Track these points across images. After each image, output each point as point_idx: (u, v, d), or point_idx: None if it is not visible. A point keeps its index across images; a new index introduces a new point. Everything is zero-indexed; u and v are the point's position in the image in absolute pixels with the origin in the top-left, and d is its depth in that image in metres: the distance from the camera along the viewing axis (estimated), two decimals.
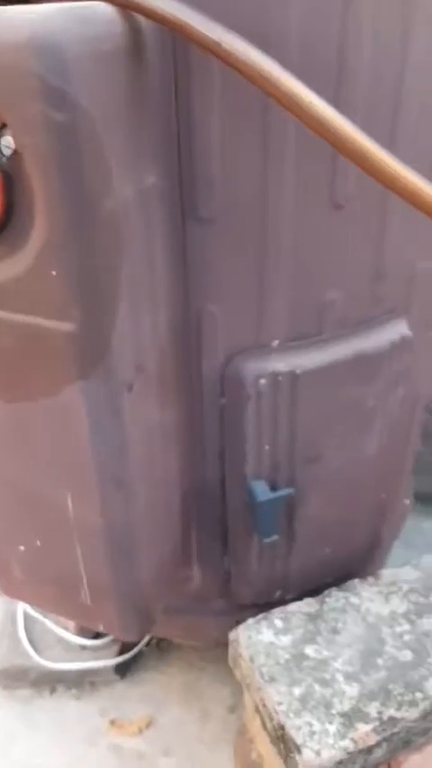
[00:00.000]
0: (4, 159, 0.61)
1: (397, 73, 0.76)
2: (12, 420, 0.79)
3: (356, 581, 1.05)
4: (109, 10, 0.61)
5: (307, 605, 1.02)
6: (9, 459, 0.84)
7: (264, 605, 1.07)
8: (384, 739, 0.85)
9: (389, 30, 0.74)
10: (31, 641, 1.49)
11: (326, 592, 1.04)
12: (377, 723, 0.86)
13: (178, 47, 0.68)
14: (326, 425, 0.95)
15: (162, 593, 1.03)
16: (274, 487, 0.97)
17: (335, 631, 0.97)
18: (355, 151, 0.62)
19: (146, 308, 0.77)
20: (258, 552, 1.05)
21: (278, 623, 1.00)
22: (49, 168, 0.59)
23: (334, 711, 0.87)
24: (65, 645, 1.49)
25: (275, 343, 0.89)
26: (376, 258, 0.87)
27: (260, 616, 1.01)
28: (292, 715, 0.88)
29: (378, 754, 0.86)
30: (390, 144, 0.64)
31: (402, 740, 0.87)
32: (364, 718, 0.86)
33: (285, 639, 0.97)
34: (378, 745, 0.85)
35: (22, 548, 0.92)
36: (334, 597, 1.03)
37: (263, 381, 0.88)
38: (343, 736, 0.85)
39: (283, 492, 0.96)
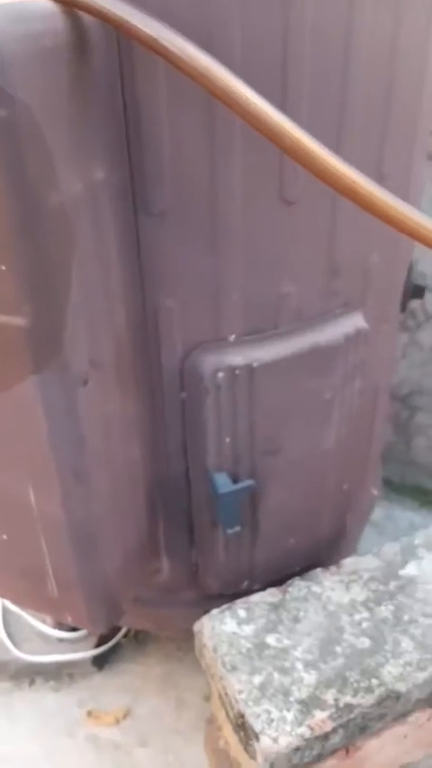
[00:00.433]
0: None
1: (341, 68, 0.76)
2: None
3: (319, 570, 1.06)
4: (49, 6, 0.62)
5: (270, 595, 1.03)
6: None
7: (232, 596, 1.09)
8: (341, 725, 0.87)
9: (332, 23, 0.74)
10: (9, 635, 1.50)
11: (289, 581, 1.06)
12: (333, 710, 0.87)
13: (122, 42, 0.68)
14: (284, 418, 0.95)
15: (130, 585, 1.04)
16: (235, 479, 0.98)
17: (296, 620, 0.99)
18: (293, 147, 0.63)
19: (100, 304, 0.78)
20: (224, 543, 1.06)
21: (241, 613, 1.01)
22: None
23: (292, 699, 0.89)
24: (43, 638, 1.50)
25: (232, 337, 0.89)
26: (329, 253, 0.88)
27: (224, 606, 1.02)
28: (251, 703, 0.89)
29: (335, 740, 0.87)
30: (336, 142, 0.64)
31: (359, 726, 0.89)
32: (321, 705, 0.88)
33: (248, 629, 0.98)
34: (334, 731, 0.86)
35: None
36: (296, 587, 1.04)
37: (221, 375, 0.89)
38: (300, 723, 0.86)
39: (244, 484, 0.97)
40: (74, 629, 1.49)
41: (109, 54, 0.69)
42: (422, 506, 1.84)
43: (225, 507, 0.98)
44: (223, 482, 0.96)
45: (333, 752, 0.90)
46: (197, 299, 0.86)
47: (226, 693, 0.93)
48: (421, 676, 0.92)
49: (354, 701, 0.88)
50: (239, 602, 1.03)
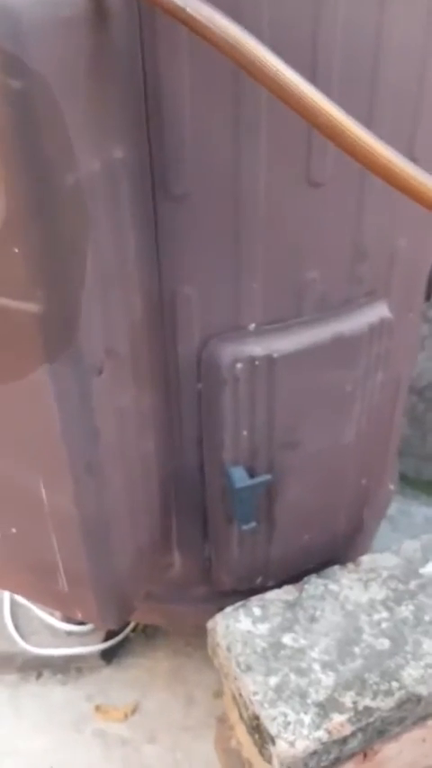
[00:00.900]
0: None
1: (373, 48, 0.72)
2: None
3: (336, 568, 1.04)
4: None
5: (285, 593, 1.01)
6: None
7: (245, 592, 1.06)
8: (359, 729, 0.84)
9: (363, 5, 0.70)
10: (17, 627, 1.49)
11: (305, 579, 1.03)
12: (352, 713, 0.84)
13: (144, 14, 0.65)
14: (304, 411, 0.92)
15: (141, 580, 1.02)
16: (252, 474, 0.95)
17: (313, 619, 0.96)
18: (326, 123, 0.59)
19: (116, 290, 0.75)
20: (239, 539, 1.03)
21: (256, 611, 0.98)
22: (5, 138, 0.57)
23: (309, 701, 0.86)
24: (51, 631, 1.49)
25: (252, 326, 0.86)
26: (356, 237, 0.84)
27: (238, 604, 1.00)
28: (267, 705, 0.86)
29: (353, 744, 0.85)
30: (367, 125, 0.61)
31: (377, 730, 0.86)
32: (339, 708, 0.85)
33: (263, 628, 0.96)
34: (353, 735, 0.84)
35: None
36: (313, 584, 1.02)
37: (239, 366, 0.86)
38: (318, 727, 0.83)
39: (261, 478, 0.94)
40: (82, 623, 1.48)
41: (130, 25, 0.65)
42: None
43: (241, 502, 0.95)
44: (240, 476, 0.94)
45: (351, 756, 0.88)
46: (216, 286, 0.83)
47: (240, 694, 0.91)
48: None
49: (373, 704, 0.85)
50: (254, 599, 1.00)
